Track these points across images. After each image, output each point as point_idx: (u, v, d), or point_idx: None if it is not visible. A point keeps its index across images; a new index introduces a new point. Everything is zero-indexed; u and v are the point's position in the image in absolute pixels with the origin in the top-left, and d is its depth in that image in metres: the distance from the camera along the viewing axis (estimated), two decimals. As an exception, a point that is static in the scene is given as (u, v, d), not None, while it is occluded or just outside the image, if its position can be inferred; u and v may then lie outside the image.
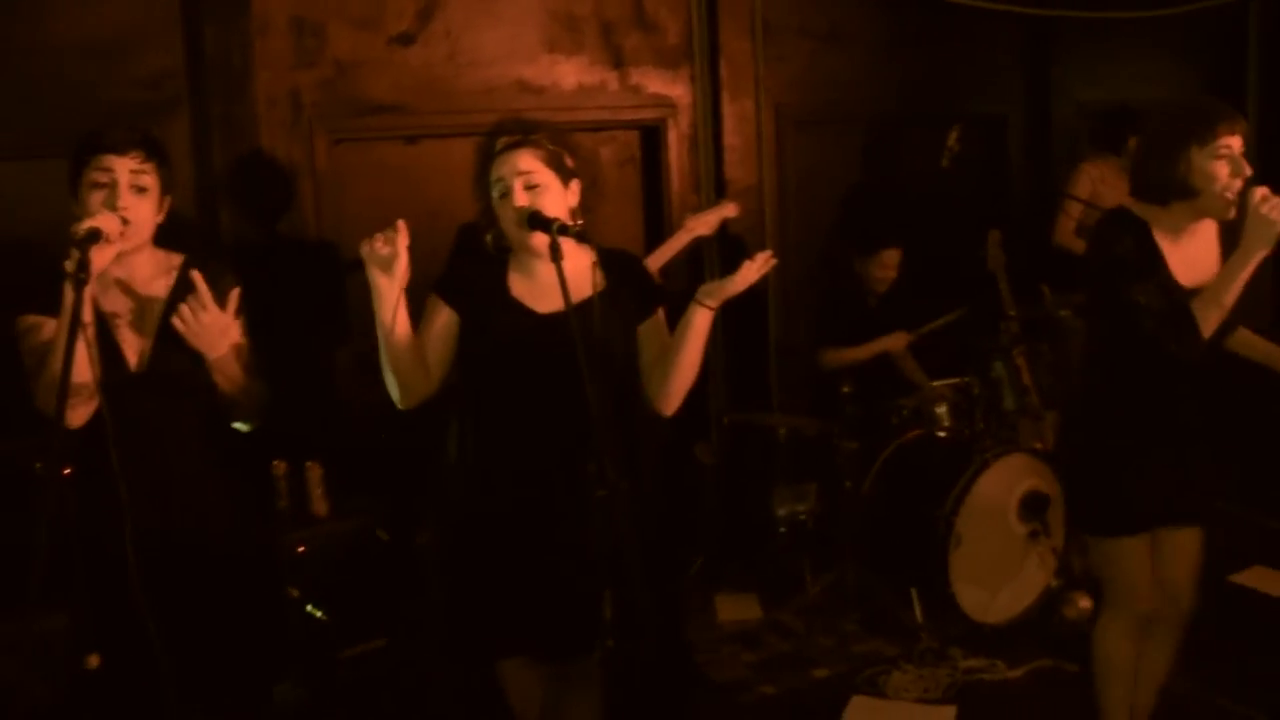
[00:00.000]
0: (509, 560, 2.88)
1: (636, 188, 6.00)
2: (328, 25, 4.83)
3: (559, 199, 2.88)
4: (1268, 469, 5.88)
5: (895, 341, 5.49)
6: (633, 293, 2.99)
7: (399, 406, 2.92)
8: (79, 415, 2.65)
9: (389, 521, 4.52)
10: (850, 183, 6.58)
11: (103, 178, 2.73)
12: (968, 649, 4.57)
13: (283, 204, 4.80)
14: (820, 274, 6.27)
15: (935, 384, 5.37)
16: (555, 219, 2.72)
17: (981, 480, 4.63)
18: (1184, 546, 3.47)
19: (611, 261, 2.86)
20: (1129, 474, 3.34)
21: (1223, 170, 3.11)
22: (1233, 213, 3.12)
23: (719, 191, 5.83)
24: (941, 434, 5.07)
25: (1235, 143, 3.13)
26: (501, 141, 2.91)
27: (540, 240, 2.77)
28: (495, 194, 2.88)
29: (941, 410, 5.14)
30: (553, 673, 3.16)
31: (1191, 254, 3.27)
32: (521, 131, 2.93)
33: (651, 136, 5.90)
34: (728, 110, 5.89)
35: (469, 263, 3.05)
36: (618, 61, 5.62)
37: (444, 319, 2.95)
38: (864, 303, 5.59)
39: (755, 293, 5.86)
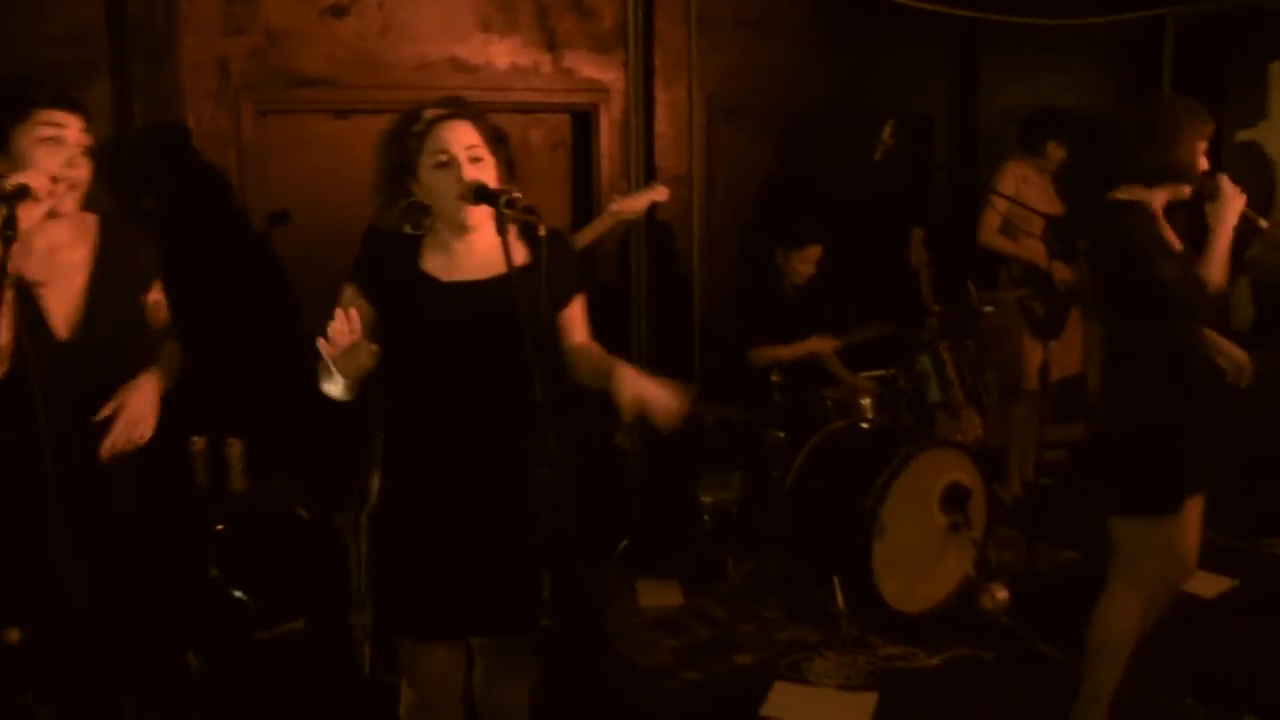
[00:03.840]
0: (446, 539, 2.83)
1: (566, 171, 5.96)
2: (260, -8, 4.73)
3: (494, 176, 2.81)
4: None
5: (822, 345, 5.50)
6: (556, 274, 2.81)
7: (341, 400, 2.79)
8: None
9: (309, 500, 4.45)
10: (776, 174, 6.61)
11: (51, 132, 2.62)
12: (888, 637, 4.60)
13: (206, 174, 4.69)
14: (741, 265, 6.29)
15: (860, 375, 5.41)
16: (504, 192, 2.64)
17: (906, 471, 4.66)
18: (1196, 514, 3.63)
19: (537, 238, 2.70)
20: (1180, 452, 3.45)
21: (1205, 161, 3.45)
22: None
23: (649, 178, 5.81)
24: (865, 425, 5.10)
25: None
26: (435, 112, 2.81)
27: (479, 214, 2.74)
28: (429, 164, 2.79)
29: (866, 402, 5.18)
30: (483, 650, 3.13)
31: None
32: (458, 108, 2.85)
33: (583, 121, 5.88)
34: (660, 98, 5.89)
35: (380, 247, 2.88)
36: (551, 44, 5.58)
37: (365, 309, 2.78)
38: (782, 294, 5.59)
39: (681, 280, 5.99)
